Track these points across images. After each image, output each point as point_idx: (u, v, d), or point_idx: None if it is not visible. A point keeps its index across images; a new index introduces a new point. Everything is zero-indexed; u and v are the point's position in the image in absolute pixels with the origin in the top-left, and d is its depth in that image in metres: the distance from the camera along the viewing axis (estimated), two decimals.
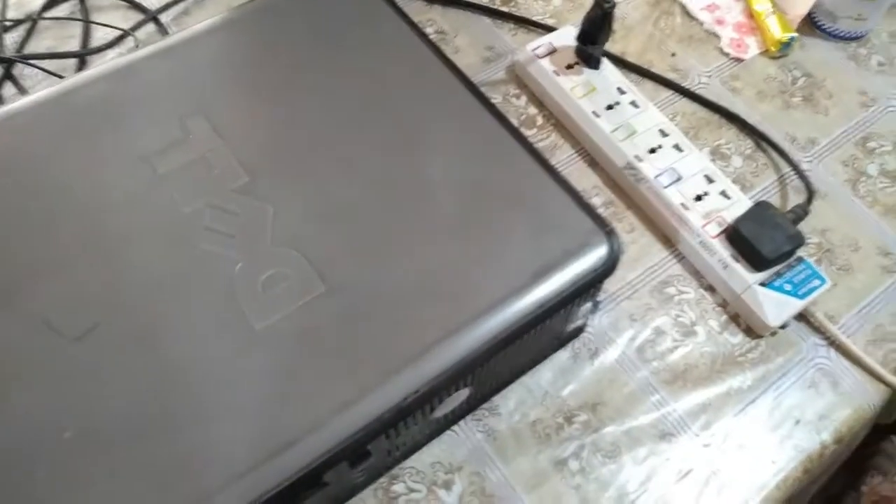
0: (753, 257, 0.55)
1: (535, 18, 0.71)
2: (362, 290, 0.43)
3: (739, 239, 0.55)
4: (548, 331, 0.48)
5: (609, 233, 0.46)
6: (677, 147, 0.61)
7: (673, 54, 0.70)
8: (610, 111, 0.63)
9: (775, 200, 0.61)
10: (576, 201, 0.47)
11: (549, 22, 0.70)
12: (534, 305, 0.43)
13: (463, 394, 0.46)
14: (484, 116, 0.50)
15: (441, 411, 0.46)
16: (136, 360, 0.41)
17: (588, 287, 0.45)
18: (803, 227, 0.57)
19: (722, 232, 0.56)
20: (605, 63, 0.65)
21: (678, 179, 0.59)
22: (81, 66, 0.66)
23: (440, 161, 0.48)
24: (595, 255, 0.45)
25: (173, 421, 0.39)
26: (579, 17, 0.63)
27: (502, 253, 0.45)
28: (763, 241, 0.54)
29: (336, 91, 0.51)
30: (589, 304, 0.49)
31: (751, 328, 0.55)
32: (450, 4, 0.71)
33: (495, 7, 0.71)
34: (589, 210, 0.47)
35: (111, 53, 0.67)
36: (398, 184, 0.47)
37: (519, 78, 0.67)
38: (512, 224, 0.46)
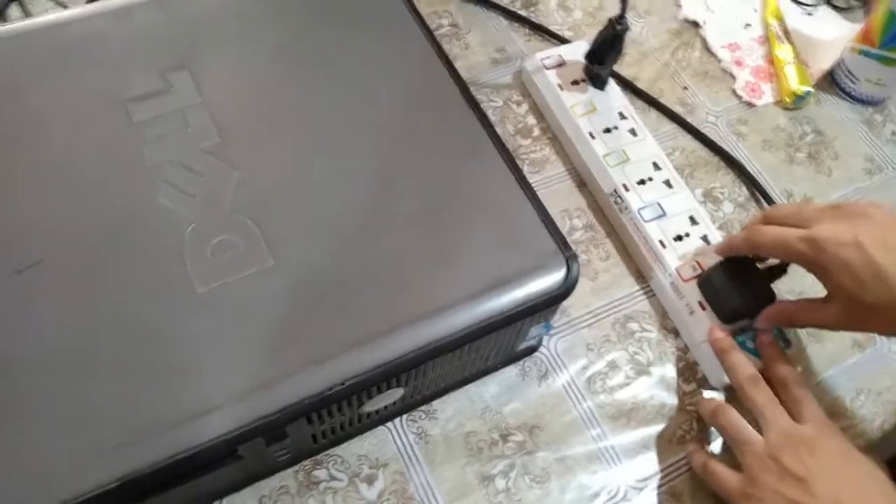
0: (719, 308, 0.53)
1: (552, 28, 0.69)
2: (309, 272, 0.42)
3: (709, 287, 0.54)
4: (494, 345, 0.47)
5: (569, 258, 0.45)
6: (667, 183, 0.60)
7: (685, 88, 0.69)
8: (607, 134, 0.62)
9: None
10: (543, 220, 0.46)
11: (566, 34, 0.69)
12: (481, 318, 0.43)
13: (396, 393, 0.45)
14: (468, 117, 0.49)
15: (371, 407, 0.45)
16: (71, 301, 0.40)
17: (539, 309, 0.44)
18: (780, 286, 0.56)
19: (695, 277, 0.55)
20: (612, 85, 0.64)
21: (661, 216, 0.58)
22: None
23: (415, 154, 0.47)
24: (551, 278, 0.44)
25: (94, 366, 0.39)
26: (596, 33, 0.62)
27: (458, 258, 0.44)
28: (732, 293, 0.53)
29: (325, 66, 0.50)
30: (541, 325, 0.48)
31: (706, 379, 0.54)
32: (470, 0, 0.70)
33: (514, 10, 0.70)
34: (554, 231, 0.46)
35: None
36: (369, 170, 0.46)
37: (523, 84, 0.66)
38: (474, 231, 0.45)
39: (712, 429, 0.52)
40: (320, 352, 0.40)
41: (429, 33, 0.52)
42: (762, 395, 0.49)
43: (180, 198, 0.44)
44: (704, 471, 0.48)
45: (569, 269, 0.45)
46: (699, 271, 0.56)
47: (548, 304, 0.44)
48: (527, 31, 0.70)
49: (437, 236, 0.44)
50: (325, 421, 0.43)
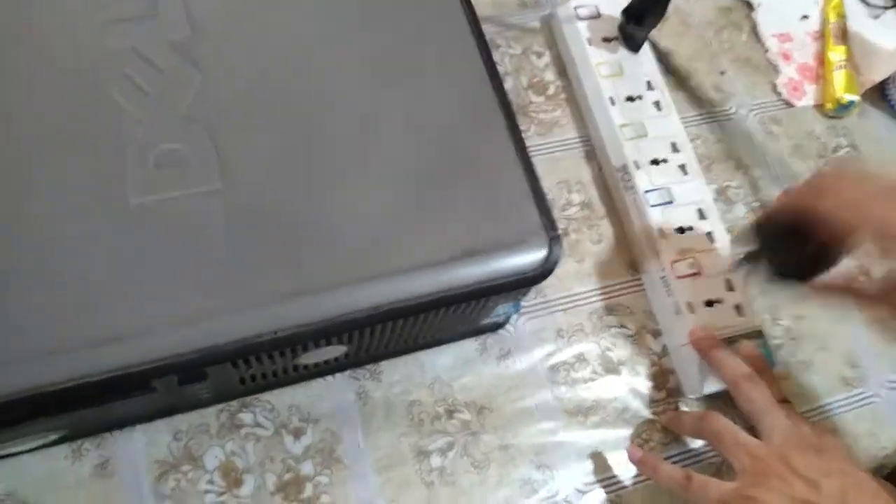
0: (780, 252, 0.44)
1: None
2: (259, 203, 0.38)
3: (772, 228, 0.44)
4: (453, 318, 0.42)
5: (553, 239, 0.40)
6: (683, 168, 0.55)
7: (722, 72, 0.62)
8: (629, 103, 0.56)
9: None
10: (532, 190, 0.41)
11: None
12: (443, 287, 0.38)
13: (337, 350, 0.41)
14: (473, 62, 0.44)
15: (308, 360, 0.41)
16: None
17: (508, 288, 0.39)
18: None
19: (689, 275, 0.51)
20: (646, 51, 0.58)
21: (668, 202, 0.53)
22: None
23: (405, 93, 0.42)
24: (529, 258, 0.39)
25: (4, 269, 0.34)
26: None
27: (430, 217, 0.39)
28: (798, 242, 0.42)
29: None
30: (509, 304, 0.44)
31: (679, 388, 0.50)
32: None
33: None
34: (542, 205, 0.41)
35: None
36: (350, 101, 0.41)
37: (551, 34, 0.60)
38: (453, 189, 0.40)
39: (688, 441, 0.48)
40: (255, 294, 0.36)
41: None
42: (763, 394, 0.44)
43: (133, 93, 0.39)
44: (690, 482, 0.42)
45: (550, 251, 0.40)
46: (695, 271, 0.51)
47: (519, 284, 0.40)
48: None
49: (411, 188, 0.40)
50: (252, 367, 0.39)
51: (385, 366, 0.47)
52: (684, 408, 0.50)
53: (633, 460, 0.46)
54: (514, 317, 0.49)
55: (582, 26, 0.58)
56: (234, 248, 0.36)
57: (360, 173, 0.39)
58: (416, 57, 0.43)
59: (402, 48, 0.43)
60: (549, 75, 0.59)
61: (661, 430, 0.49)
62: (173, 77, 0.39)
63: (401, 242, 0.38)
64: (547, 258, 0.40)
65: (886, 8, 0.69)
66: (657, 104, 0.56)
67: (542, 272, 0.40)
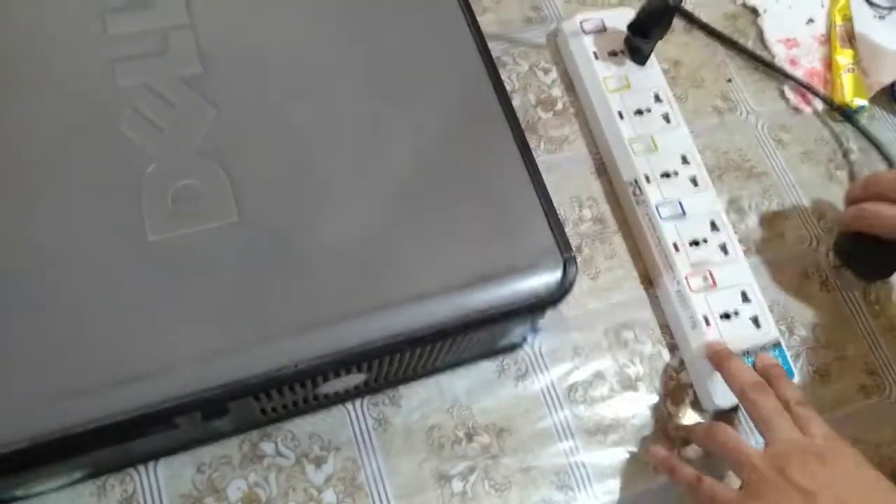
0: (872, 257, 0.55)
1: None
2: (277, 235, 0.38)
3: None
4: (471, 342, 0.42)
5: (567, 260, 0.40)
6: (693, 181, 0.54)
7: (729, 80, 0.62)
8: (638, 117, 0.56)
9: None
10: (545, 211, 0.41)
11: None
12: (459, 313, 0.38)
13: (356, 378, 0.41)
14: (482, 80, 0.44)
15: (328, 389, 0.41)
16: (6, 225, 0.36)
17: (526, 312, 0.39)
18: None
19: (704, 289, 0.50)
20: (653, 63, 0.58)
21: (681, 215, 0.53)
22: None
23: (415, 116, 0.42)
24: (545, 280, 0.40)
25: (22, 308, 0.35)
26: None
27: (444, 242, 0.39)
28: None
29: (332, 4, 0.44)
30: (527, 326, 0.44)
31: (697, 403, 0.50)
32: None
33: None
34: (556, 226, 0.41)
35: None
36: (362, 129, 0.41)
37: (557, 49, 0.60)
38: (466, 212, 0.40)
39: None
40: (275, 327, 0.36)
41: None
42: (769, 402, 0.44)
43: (147, 129, 0.39)
44: (699, 484, 0.43)
45: (565, 273, 0.40)
46: (710, 282, 0.51)
47: (536, 307, 0.40)
48: None
49: (425, 213, 0.40)
50: (273, 399, 0.39)
51: (404, 391, 0.47)
52: (700, 420, 0.49)
53: (655, 458, 0.47)
54: (531, 336, 0.49)
55: (588, 41, 0.58)
56: (253, 280, 0.37)
57: (373, 199, 0.40)
58: (424, 79, 0.43)
59: (410, 72, 0.43)
60: (557, 91, 0.59)
61: (682, 444, 0.49)
62: (186, 112, 0.40)
63: (416, 268, 0.38)
64: (562, 280, 0.40)
65: (892, 9, 0.68)
66: (666, 117, 0.56)
67: (559, 295, 0.40)
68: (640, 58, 0.57)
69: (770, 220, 0.57)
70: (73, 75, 0.40)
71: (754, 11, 0.66)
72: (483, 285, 0.39)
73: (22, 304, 0.35)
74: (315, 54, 0.43)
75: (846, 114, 0.62)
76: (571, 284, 0.40)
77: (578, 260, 0.52)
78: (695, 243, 0.52)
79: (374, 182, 0.40)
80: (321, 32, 0.43)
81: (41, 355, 0.34)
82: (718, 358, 0.48)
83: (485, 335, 0.42)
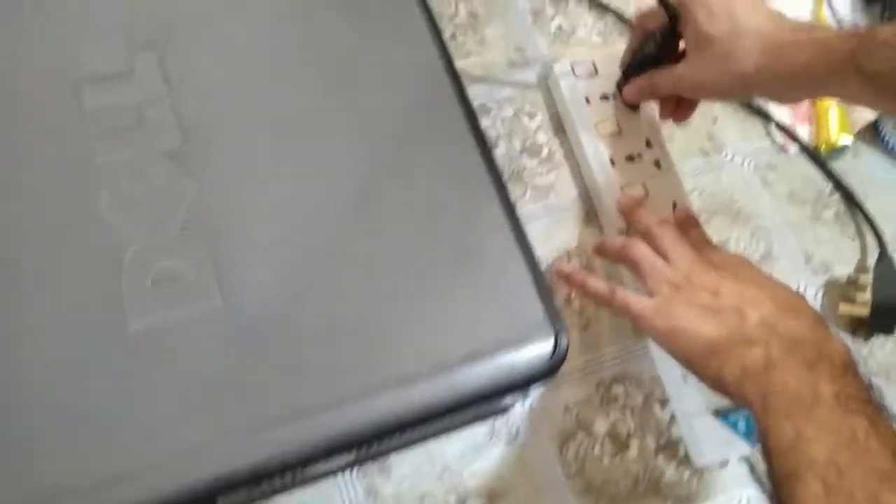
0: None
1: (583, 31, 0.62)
2: (261, 318, 0.37)
3: None
4: (461, 417, 0.42)
5: (559, 331, 0.39)
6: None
7: (714, 120, 0.62)
8: (629, 163, 0.55)
9: None
10: (535, 280, 0.40)
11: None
12: (451, 394, 0.38)
13: (345, 457, 0.40)
14: (468, 146, 0.43)
15: (315, 471, 0.40)
16: None
17: (517, 388, 0.39)
18: None
19: None
20: (644, 106, 0.57)
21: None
22: None
23: (400, 187, 0.41)
24: (536, 353, 0.39)
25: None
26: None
27: (433, 319, 0.39)
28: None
29: (314, 65, 0.44)
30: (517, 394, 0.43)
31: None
32: None
33: None
34: (546, 295, 0.40)
35: None
36: (346, 202, 0.40)
37: (544, 92, 0.59)
38: (454, 286, 0.40)
39: None
40: (262, 417, 0.35)
41: (441, 44, 0.46)
42: (671, 234, 0.47)
43: (126, 209, 0.38)
44: (613, 296, 0.45)
45: (556, 344, 0.39)
46: None
47: (528, 382, 0.39)
48: (552, 30, 0.62)
49: (414, 291, 0.39)
50: (261, 485, 0.39)
51: (394, 459, 0.46)
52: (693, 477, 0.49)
53: (560, 275, 0.49)
54: (523, 397, 0.49)
55: (579, 84, 0.57)
56: (238, 369, 0.36)
57: (360, 277, 0.39)
58: (411, 151, 0.43)
59: (396, 142, 0.43)
60: (542, 137, 0.58)
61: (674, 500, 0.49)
62: (166, 188, 0.39)
63: (406, 349, 0.38)
64: (553, 353, 0.39)
65: None
66: (657, 163, 0.56)
67: (550, 368, 0.39)
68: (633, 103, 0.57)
69: (758, 263, 0.57)
70: (48, 155, 0.39)
71: None
72: (474, 362, 0.38)
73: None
74: (297, 123, 0.42)
75: (821, 160, 0.61)
76: (562, 359, 0.39)
77: (568, 312, 0.52)
78: None
79: (361, 260, 0.39)
80: (303, 100, 0.42)
81: (19, 454, 0.33)
82: (629, 207, 0.51)
83: (476, 411, 0.41)
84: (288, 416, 0.35)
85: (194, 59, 0.42)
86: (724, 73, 0.46)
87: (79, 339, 0.35)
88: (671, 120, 0.54)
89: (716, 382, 0.41)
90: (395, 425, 0.37)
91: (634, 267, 0.46)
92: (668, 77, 0.50)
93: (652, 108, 0.57)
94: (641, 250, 0.46)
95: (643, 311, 0.43)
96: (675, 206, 0.54)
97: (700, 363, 0.41)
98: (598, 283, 0.46)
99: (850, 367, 0.39)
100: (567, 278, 0.49)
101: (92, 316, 0.36)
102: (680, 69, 0.48)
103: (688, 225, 0.50)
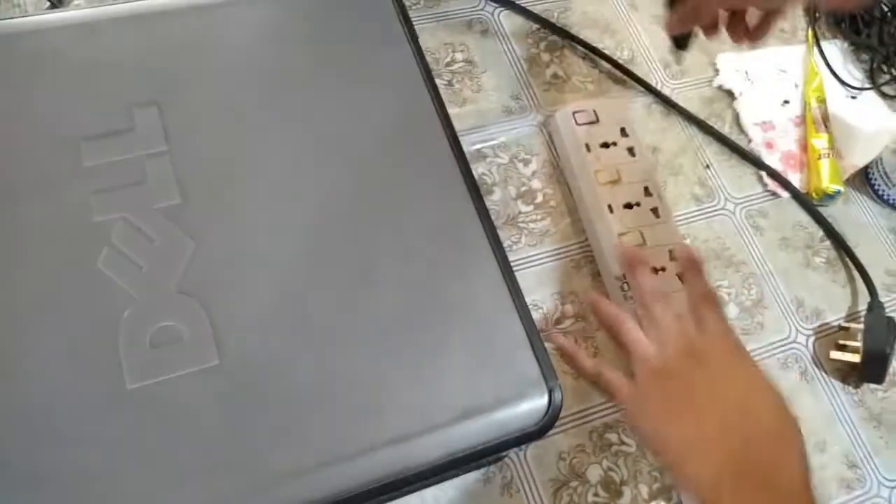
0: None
1: (577, 78, 0.63)
2: (258, 379, 0.37)
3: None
4: (456, 472, 0.42)
5: (552, 389, 0.40)
6: (681, 277, 0.55)
7: (707, 166, 0.63)
8: (626, 210, 0.56)
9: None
10: (530, 338, 0.41)
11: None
12: (445, 452, 0.38)
13: None
14: (464, 204, 0.44)
15: None
16: None
17: (512, 444, 0.39)
18: None
19: None
20: (645, 155, 0.58)
21: None
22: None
23: (395, 246, 0.42)
24: (529, 410, 0.40)
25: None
26: None
27: (429, 378, 0.39)
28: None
29: (311, 122, 0.44)
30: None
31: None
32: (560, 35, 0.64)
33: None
34: (541, 353, 0.41)
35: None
36: (345, 262, 0.41)
37: (541, 139, 0.60)
38: (450, 345, 0.40)
39: None
40: (258, 478, 0.35)
41: (437, 98, 0.46)
42: (658, 310, 0.45)
43: (125, 267, 0.39)
44: (598, 376, 0.45)
45: (550, 402, 0.40)
46: None
47: (522, 440, 0.40)
48: (548, 78, 0.63)
49: (409, 350, 0.39)
50: None
51: None
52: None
53: (555, 344, 0.48)
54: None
55: (581, 131, 0.58)
56: (234, 428, 0.36)
57: (354, 337, 0.39)
58: (407, 211, 0.43)
59: (393, 204, 0.43)
60: (536, 183, 0.59)
61: None
62: (165, 247, 0.39)
63: (402, 408, 0.38)
64: (546, 411, 0.40)
65: (863, 89, 0.70)
66: (655, 211, 0.56)
67: (544, 426, 0.40)
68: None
69: (750, 310, 0.58)
70: (48, 211, 0.39)
71: (730, 94, 0.67)
72: (468, 420, 0.38)
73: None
74: (296, 183, 0.42)
75: (812, 206, 0.62)
76: (557, 413, 0.40)
77: (561, 360, 0.53)
78: None
79: (356, 320, 0.39)
80: (301, 159, 0.43)
81: None
82: (631, 262, 0.48)
83: (470, 467, 0.41)
84: (285, 476, 0.36)
85: (193, 116, 0.43)
86: None
87: (78, 397, 0.35)
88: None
89: (675, 479, 0.43)
90: (392, 483, 0.37)
91: (620, 345, 0.46)
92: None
93: (650, 156, 0.58)
94: (628, 329, 0.45)
95: (621, 396, 0.44)
96: (671, 254, 0.55)
97: (663, 461, 0.43)
98: (585, 361, 0.46)
99: (796, 492, 0.38)
100: (560, 349, 0.48)
101: (91, 375, 0.36)
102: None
103: (690, 269, 0.48)
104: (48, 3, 0.55)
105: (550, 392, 0.40)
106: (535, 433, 0.39)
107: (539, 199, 0.58)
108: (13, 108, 0.41)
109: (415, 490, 0.46)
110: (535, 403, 0.40)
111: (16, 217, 0.39)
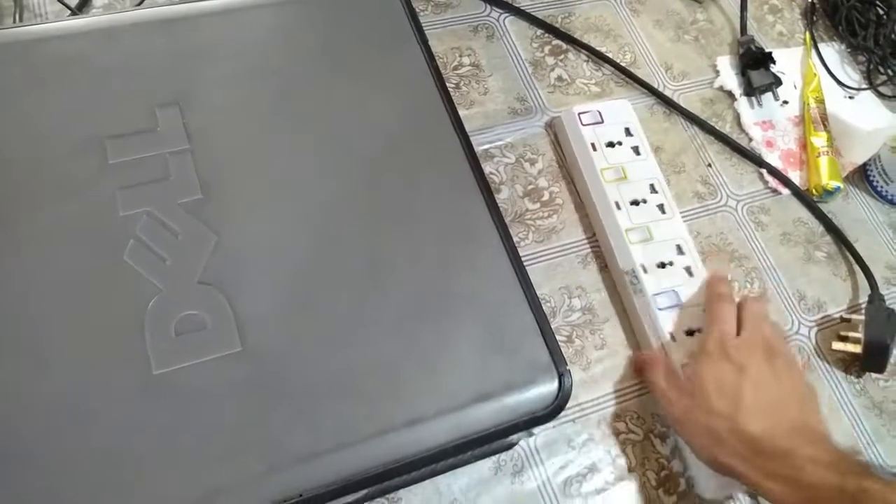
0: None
1: (581, 81, 0.65)
2: (278, 365, 0.39)
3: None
4: (468, 455, 0.43)
5: (562, 374, 0.41)
6: (688, 270, 0.56)
7: (709, 165, 0.65)
8: (634, 207, 0.58)
9: None
10: (540, 325, 0.42)
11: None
12: (458, 434, 0.39)
13: (358, 495, 0.42)
14: (474, 198, 0.45)
15: None
16: (7, 364, 0.37)
17: (522, 427, 0.41)
18: None
19: None
20: (649, 154, 0.60)
21: (677, 305, 0.54)
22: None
23: (408, 238, 0.43)
24: (540, 395, 0.41)
25: (23, 445, 0.35)
26: None
27: (443, 364, 0.41)
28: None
29: (327, 122, 0.46)
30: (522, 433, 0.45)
31: (689, 491, 0.51)
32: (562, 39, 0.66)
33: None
34: (550, 340, 0.42)
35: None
36: (358, 253, 0.42)
37: (546, 139, 0.62)
38: (462, 333, 0.41)
39: None
40: (279, 459, 0.37)
41: (448, 97, 0.48)
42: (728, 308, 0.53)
43: (149, 259, 0.40)
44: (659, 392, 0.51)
45: (560, 387, 0.41)
46: None
47: (530, 424, 0.41)
48: (552, 81, 0.65)
49: (423, 337, 0.41)
50: None
51: (403, 494, 0.48)
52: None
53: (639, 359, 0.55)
54: (527, 435, 0.50)
55: (587, 131, 0.60)
56: (257, 411, 0.38)
57: (371, 324, 0.41)
58: (420, 205, 0.44)
59: (407, 199, 0.44)
60: (543, 182, 0.60)
61: None
62: (188, 240, 0.41)
63: (416, 392, 0.39)
64: (557, 394, 0.41)
65: (861, 89, 0.71)
66: (661, 207, 0.58)
67: (554, 409, 0.41)
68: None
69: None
70: (76, 207, 0.41)
71: (731, 95, 0.68)
72: (480, 404, 0.40)
73: (22, 444, 0.35)
74: (311, 179, 0.44)
75: (812, 203, 0.64)
76: (566, 400, 0.41)
77: (570, 351, 0.54)
78: (690, 333, 0.54)
79: (372, 308, 0.41)
80: (317, 157, 0.45)
81: (38, 497, 0.34)
82: (715, 295, 0.54)
83: (482, 449, 0.43)
84: (304, 457, 0.37)
85: (215, 115, 0.45)
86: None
87: (106, 383, 0.37)
88: None
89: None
90: (406, 465, 0.38)
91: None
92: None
93: (654, 155, 0.60)
94: (657, 383, 0.52)
95: (670, 412, 0.50)
96: (678, 248, 0.56)
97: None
98: (659, 376, 0.52)
99: None
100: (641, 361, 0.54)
101: (119, 361, 0.37)
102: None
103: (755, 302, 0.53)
104: (69, 12, 0.57)
105: (560, 377, 0.41)
106: (546, 416, 0.41)
107: (545, 196, 0.60)
108: (41, 110, 0.43)
109: (429, 476, 0.48)
110: (546, 388, 0.41)
111: (46, 213, 0.40)
